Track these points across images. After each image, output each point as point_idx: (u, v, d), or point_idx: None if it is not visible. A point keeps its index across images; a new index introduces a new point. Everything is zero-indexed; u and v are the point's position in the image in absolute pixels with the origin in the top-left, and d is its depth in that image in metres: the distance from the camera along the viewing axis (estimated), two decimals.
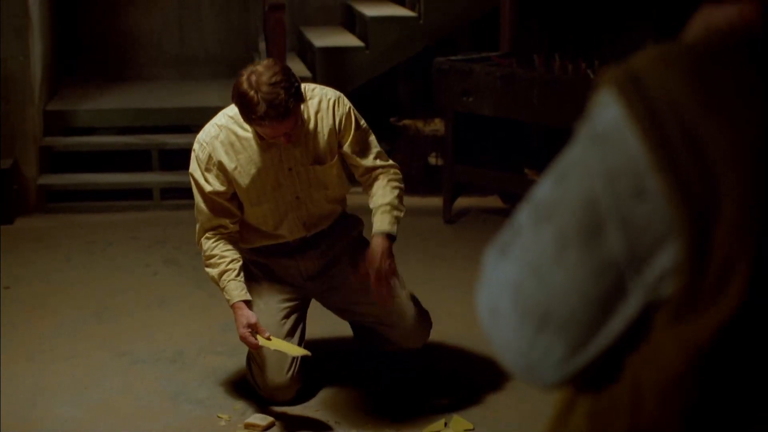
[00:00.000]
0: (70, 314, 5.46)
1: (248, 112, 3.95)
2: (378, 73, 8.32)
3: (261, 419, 4.29)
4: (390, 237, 4.25)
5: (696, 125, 1.08)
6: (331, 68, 8.12)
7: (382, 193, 4.32)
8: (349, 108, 4.31)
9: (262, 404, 4.48)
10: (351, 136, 4.30)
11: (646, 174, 1.11)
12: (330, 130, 4.26)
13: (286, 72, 3.99)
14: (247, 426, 4.27)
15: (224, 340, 5.17)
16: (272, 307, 4.42)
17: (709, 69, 1.11)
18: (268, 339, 4.20)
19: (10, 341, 5.02)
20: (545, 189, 1.22)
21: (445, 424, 4.28)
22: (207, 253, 4.27)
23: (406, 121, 8.41)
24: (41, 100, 7.81)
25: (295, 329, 4.45)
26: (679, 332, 1.10)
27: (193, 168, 4.26)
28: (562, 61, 6.69)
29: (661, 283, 1.12)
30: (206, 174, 4.20)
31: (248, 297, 4.23)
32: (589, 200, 1.14)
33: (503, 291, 1.22)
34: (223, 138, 4.20)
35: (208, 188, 4.21)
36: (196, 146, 4.24)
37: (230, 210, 4.29)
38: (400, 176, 4.43)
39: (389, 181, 4.36)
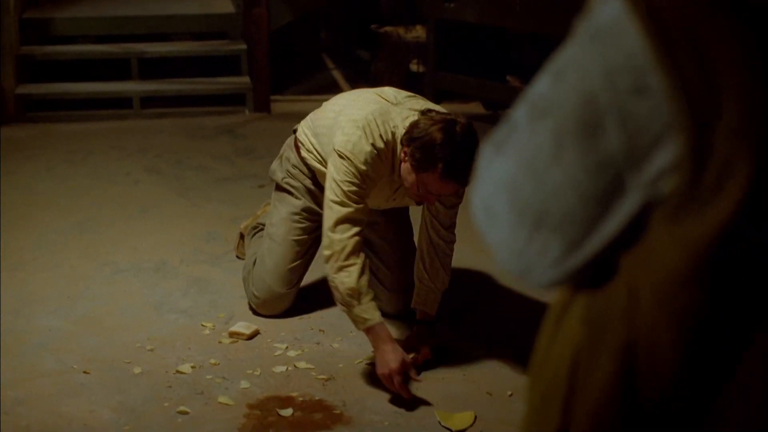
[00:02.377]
0: (52, 224, 5.44)
1: (430, 159, 3.71)
2: None
3: (245, 328, 4.31)
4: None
5: (699, 23, 1.06)
6: None
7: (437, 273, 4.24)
8: None
9: (246, 313, 4.50)
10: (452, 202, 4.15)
11: (646, 71, 1.09)
12: None
13: (478, 139, 3.77)
14: (232, 334, 4.29)
15: (207, 249, 5.18)
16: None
17: None
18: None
19: None
20: (542, 86, 1.19)
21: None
22: (347, 251, 3.86)
23: (388, 28, 8.36)
24: (17, 9, 7.70)
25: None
26: (677, 232, 1.09)
27: (343, 176, 3.89)
28: None
29: (659, 180, 1.11)
30: (367, 170, 3.90)
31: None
32: (588, 97, 1.13)
33: (498, 190, 1.21)
34: (377, 160, 3.91)
35: (357, 194, 3.89)
36: (363, 147, 3.90)
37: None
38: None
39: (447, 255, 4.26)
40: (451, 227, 4.22)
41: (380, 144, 3.90)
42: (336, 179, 3.88)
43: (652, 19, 1.08)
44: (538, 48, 7.87)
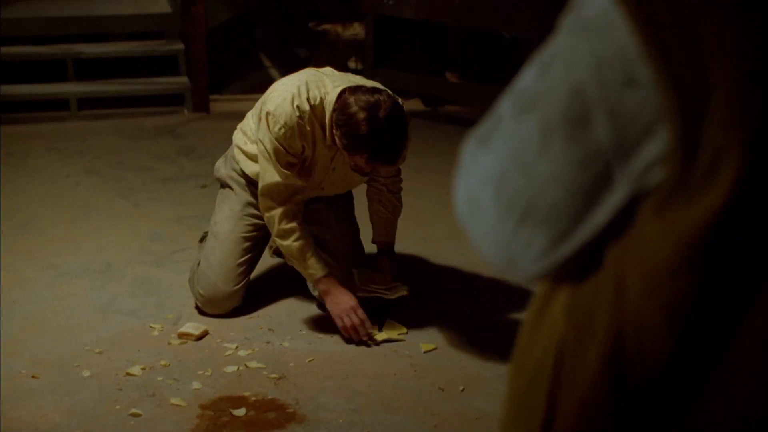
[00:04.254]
0: None
1: (356, 146, 3.93)
2: None
3: (194, 328, 4.28)
4: None
5: (688, 13, 1.07)
6: None
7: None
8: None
9: (194, 314, 4.47)
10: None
11: (636, 62, 1.09)
12: None
13: (405, 117, 3.99)
14: (181, 335, 4.26)
15: (152, 249, 5.14)
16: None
17: None
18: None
19: None
20: (528, 79, 1.19)
21: (379, 329, 4.32)
22: (284, 226, 4.17)
23: (326, 26, 8.35)
24: None
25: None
26: (666, 222, 1.10)
27: (269, 138, 4.08)
28: None
29: (648, 172, 1.11)
30: (285, 143, 4.06)
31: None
32: (576, 90, 1.13)
33: (483, 183, 1.20)
34: (300, 123, 4.04)
35: (284, 156, 4.09)
36: (275, 120, 4.06)
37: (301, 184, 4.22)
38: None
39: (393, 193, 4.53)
40: (395, 171, 4.50)
41: (305, 107, 4.04)
42: (262, 139, 4.12)
43: (640, 10, 1.09)
44: (476, 44, 7.90)
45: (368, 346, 4.25)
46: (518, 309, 4.42)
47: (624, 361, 1.15)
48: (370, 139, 3.88)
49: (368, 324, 4.24)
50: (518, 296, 4.45)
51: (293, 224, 4.17)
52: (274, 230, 4.21)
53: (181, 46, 7.90)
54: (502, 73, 6.87)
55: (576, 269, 1.20)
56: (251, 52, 9.27)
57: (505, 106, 1.21)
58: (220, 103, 7.98)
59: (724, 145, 1.06)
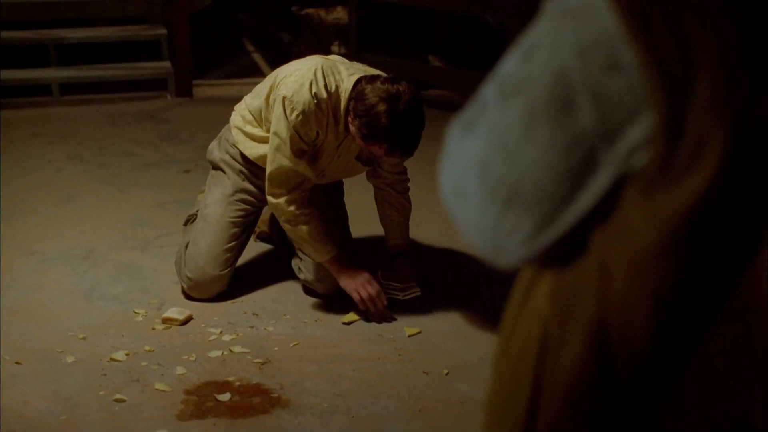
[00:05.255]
0: None
1: (376, 137, 3.91)
2: None
3: (178, 313, 4.28)
4: None
5: None
6: None
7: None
8: None
9: (178, 299, 4.47)
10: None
11: (620, 47, 1.09)
12: None
13: (423, 108, 3.98)
14: (165, 320, 4.26)
15: (136, 234, 5.13)
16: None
17: None
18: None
19: None
20: (512, 64, 1.19)
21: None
22: (293, 212, 4.19)
23: (309, 10, 8.33)
24: None
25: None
26: (651, 206, 1.10)
27: (285, 124, 4.06)
28: None
29: (632, 155, 1.11)
30: (300, 130, 4.05)
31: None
32: (560, 74, 1.13)
33: (468, 168, 1.20)
34: (317, 111, 4.03)
35: (298, 143, 4.08)
36: (292, 107, 4.03)
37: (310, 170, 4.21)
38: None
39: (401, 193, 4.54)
40: (401, 169, 4.49)
41: (323, 94, 4.02)
42: (276, 124, 4.08)
43: None
44: (459, 28, 7.89)
45: (389, 320, 4.33)
46: (503, 294, 4.41)
47: (608, 347, 1.16)
48: (390, 131, 3.87)
49: (383, 299, 4.29)
50: (503, 281, 4.44)
51: (302, 209, 4.18)
52: (282, 217, 4.21)
53: (163, 31, 7.87)
54: (485, 57, 6.86)
55: (561, 254, 1.20)
56: (234, 37, 9.25)
57: (489, 91, 1.21)
58: (203, 88, 7.96)
59: (709, 129, 1.06)
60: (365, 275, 4.28)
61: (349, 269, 4.30)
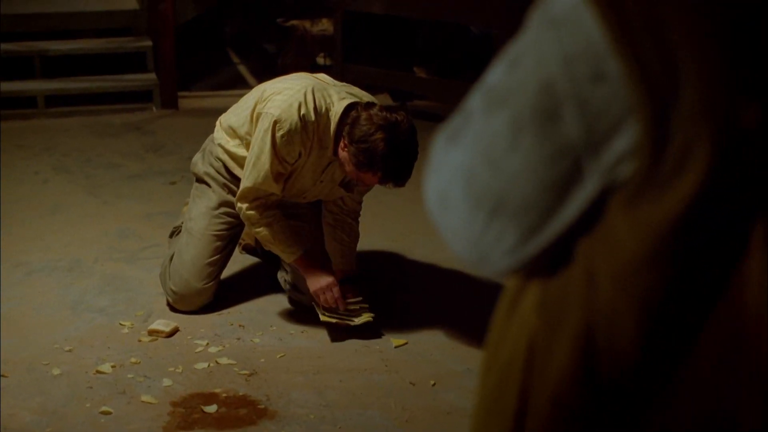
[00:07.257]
0: None
1: (371, 164, 3.91)
2: None
3: (164, 325, 4.28)
4: None
5: (657, 7, 1.07)
6: None
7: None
8: None
9: (164, 311, 4.46)
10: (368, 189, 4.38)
11: (605, 57, 1.10)
12: None
13: (416, 135, 3.98)
14: (151, 332, 4.25)
15: (121, 246, 5.12)
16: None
17: None
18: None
19: None
20: (497, 75, 1.19)
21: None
22: (258, 217, 4.18)
23: (294, 22, 8.33)
24: None
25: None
26: (636, 216, 1.10)
27: (269, 142, 4.05)
28: None
29: (618, 166, 1.11)
30: (282, 150, 4.05)
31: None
32: (545, 85, 1.13)
33: (454, 178, 1.21)
34: (303, 133, 4.04)
35: (277, 166, 4.08)
36: (279, 126, 4.03)
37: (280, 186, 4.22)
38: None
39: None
40: (361, 198, 4.51)
41: (311, 117, 4.02)
42: (258, 141, 4.07)
43: (609, 5, 1.09)
44: (445, 39, 7.91)
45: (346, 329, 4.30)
46: (489, 304, 4.41)
47: (595, 356, 1.16)
48: (387, 159, 3.87)
49: (342, 303, 4.26)
50: (489, 291, 4.45)
51: (266, 212, 4.17)
52: (247, 220, 4.22)
53: (149, 42, 7.87)
54: (470, 68, 6.88)
55: (547, 264, 1.21)
56: (219, 48, 9.25)
57: (475, 101, 1.21)
58: (189, 100, 7.96)
59: (693, 139, 1.06)
60: (329, 280, 4.25)
61: (315, 271, 4.27)
